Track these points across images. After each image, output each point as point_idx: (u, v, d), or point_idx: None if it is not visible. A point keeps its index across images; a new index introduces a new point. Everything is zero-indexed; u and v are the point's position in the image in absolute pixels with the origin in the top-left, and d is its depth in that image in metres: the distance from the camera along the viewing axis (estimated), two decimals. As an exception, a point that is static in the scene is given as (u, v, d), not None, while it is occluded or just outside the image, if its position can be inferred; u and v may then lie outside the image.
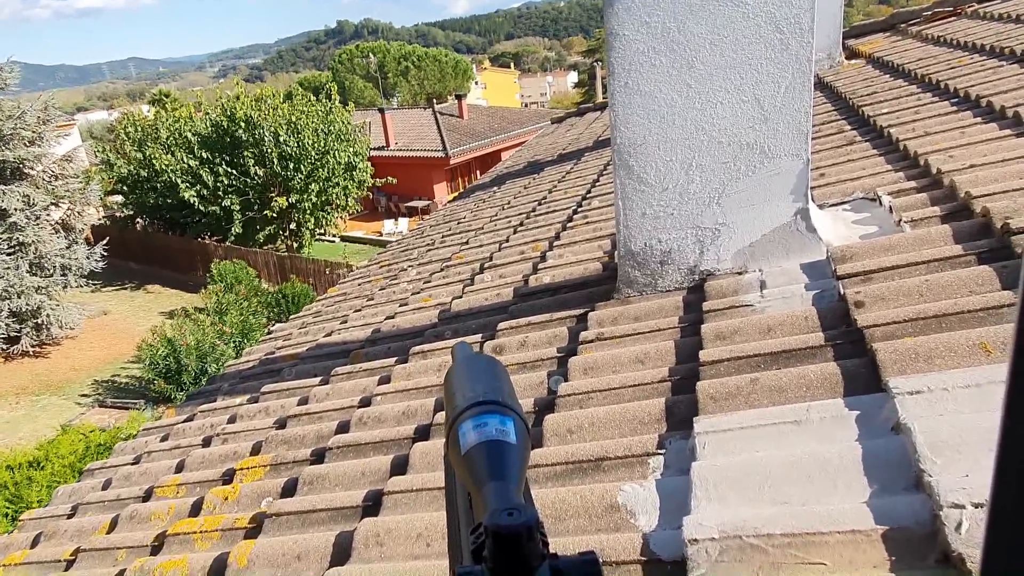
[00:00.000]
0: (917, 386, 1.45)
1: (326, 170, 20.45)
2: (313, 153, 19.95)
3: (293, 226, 21.59)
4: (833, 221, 2.52)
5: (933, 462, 1.22)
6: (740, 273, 2.38)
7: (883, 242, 2.18)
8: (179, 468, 2.91)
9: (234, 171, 20.15)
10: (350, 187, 21.61)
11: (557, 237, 3.88)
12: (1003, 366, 1.43)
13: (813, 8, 2.07)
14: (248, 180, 20.20)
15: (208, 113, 21.10)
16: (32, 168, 17.49)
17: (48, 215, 17.81)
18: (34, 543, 2.81)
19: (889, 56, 5.16)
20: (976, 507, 1.09)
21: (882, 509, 1.21)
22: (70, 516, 2.93)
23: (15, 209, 16.28)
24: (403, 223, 25.53)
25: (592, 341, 2.37)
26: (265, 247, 21.37)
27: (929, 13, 6.10)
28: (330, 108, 21.09)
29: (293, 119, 19.93)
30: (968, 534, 1.07)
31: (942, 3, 6.08)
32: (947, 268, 1.93)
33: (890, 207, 2.50)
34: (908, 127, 3.24)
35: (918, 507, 1.18)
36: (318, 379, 3.27)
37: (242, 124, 19.73)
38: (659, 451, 1.67)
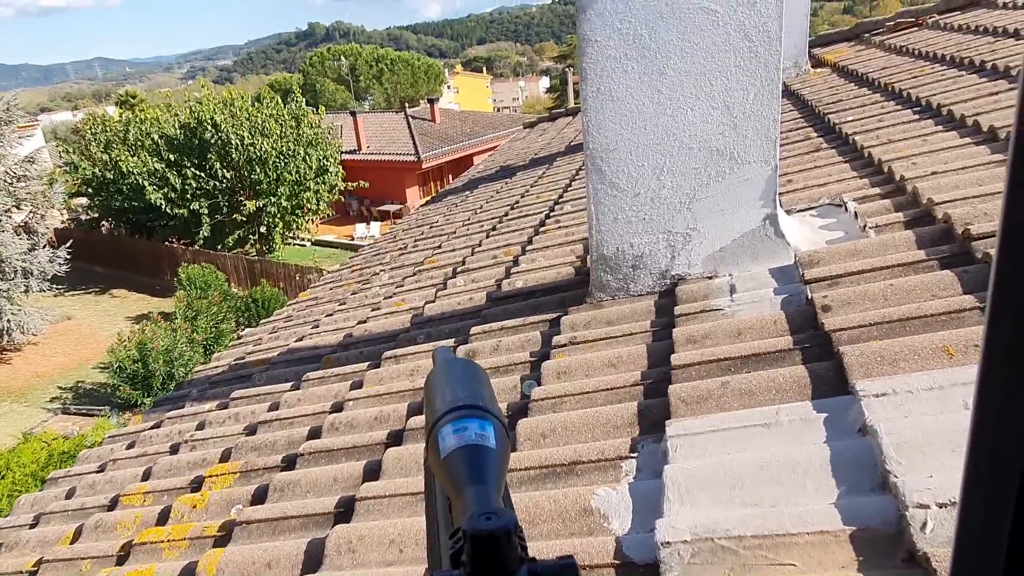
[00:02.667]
0: (883, 388, 1.48)
1: (294, 173, 20.24)
2: (274, 154, 19.72)
3: (263, 229, 21.35)
4: (801, 226, 2.57)
5: (899, 463, 1.25)
6: (710, 277, 2.40)
7: (849, 247, 2.22)
8: (146, 476, 2.85)
9: (202, 174, 19.87)
10: (321, 191, 21.42)
11: (530, 242, 3.89)
12: (965, 368, 1.47)
13: (780, 17, 2.11)
14: (216, 183, 19.93)
15: (176, 115, 20.79)
16: (-8, 170, 17.08)
17: (9, 217, 17.38)
18: (-6, 555, 2.74)
19: (854, 65, 5.27)
20: (941, 507, 1.12)
21: (850, 510, 1.23)
22: (32, 526, 2.86)
23: (-27, 211, 15.89)
24: (375, 227, 25.37)
25: (565, 345, 2.38)
26: (234, 251, 21.10)
27: (892, 23, 6.24)
28: (298, 112, 20.89)
29: (259, 121, 19.72)
30: (933, 534, 1.10)
31: (904, 14, 6.23)
32: (911, 273, 1.98)
33: (855, 213, 2.55)
34: (872, 135, 3.31)
35: (885, 507, 1.20)
36: (289, 384, 3.24)
37: (208, 127, 19.48)
38: (632, 455, 1.68)
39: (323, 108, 23.01)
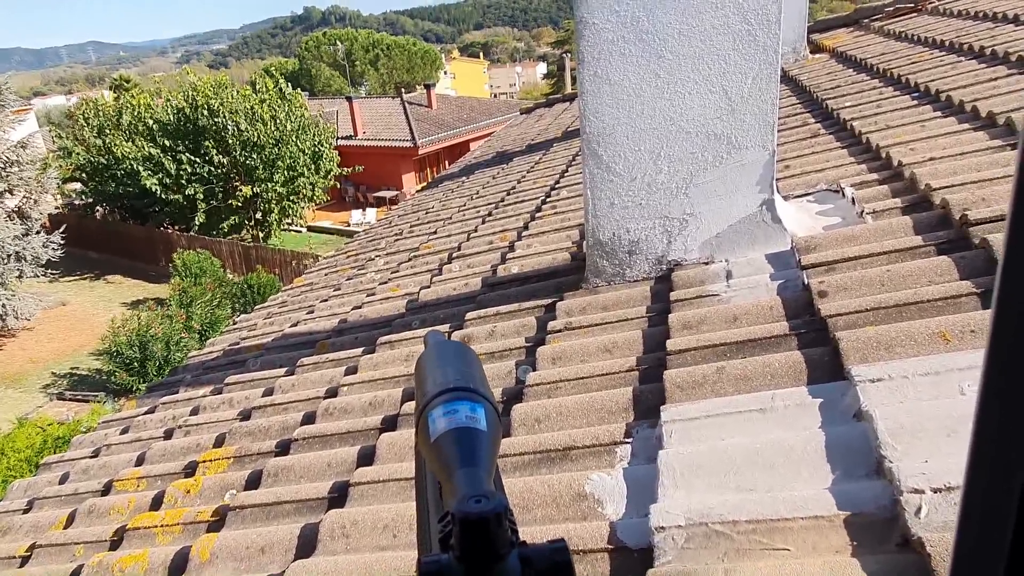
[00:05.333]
0: (878, 374, 1.47)
1: (287, 158, 20.08)
2: (270, 141, 19.58)
3: (259, 215, 21.25)
4: (798, 212, 2.56)
5: (894, 448, 1.25)
6: (707, 263, 2.39)
7: (846, 233, 2.21)
8: (139, 461, 2.85)
9: (197, 159, 19.75)
10: (315, 177, 21.29)
11: (526, 227, 3.88)
12: (962, 354, 1.46)
13: (780, 0, 2.09)
14: (211, 168, 19.82)
15: (169, 100, 20.62)
16: (-16, 154, 16.96)
17: (2, 203, 17.28)
18: (-12, 539, 2.73)
19: (852, 51, 5.24)
20: (935, 492, 1.11)
21: (844, 495, 1.23)
22: (26, 511, 2.86)
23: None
24: (371, 213, 25.28)
25: (560, 331, 2.38)
26: (230, 237, 21.01)
27: (891, 9, 6.20)
28: (287, 96, 20.72)
29: (251, 106, 19.58)
30: (928, 518, 1.09)
31: (904, -1, 6.19)
32: (907, 258, 1.97)
33: (853, 198, 2.54)
34: (870, 120, 3.30)
35: (879, 492, 1.20)
36: (284, 370, 3.23)
37: (203, 112, 19.34)
38: (627, 440, 1.68)
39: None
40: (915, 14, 5.88)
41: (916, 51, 4.43)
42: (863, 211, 2.39)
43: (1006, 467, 0.35)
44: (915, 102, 3.39)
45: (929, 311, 1.67)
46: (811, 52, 6.01)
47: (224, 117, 19.25)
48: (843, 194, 2.63)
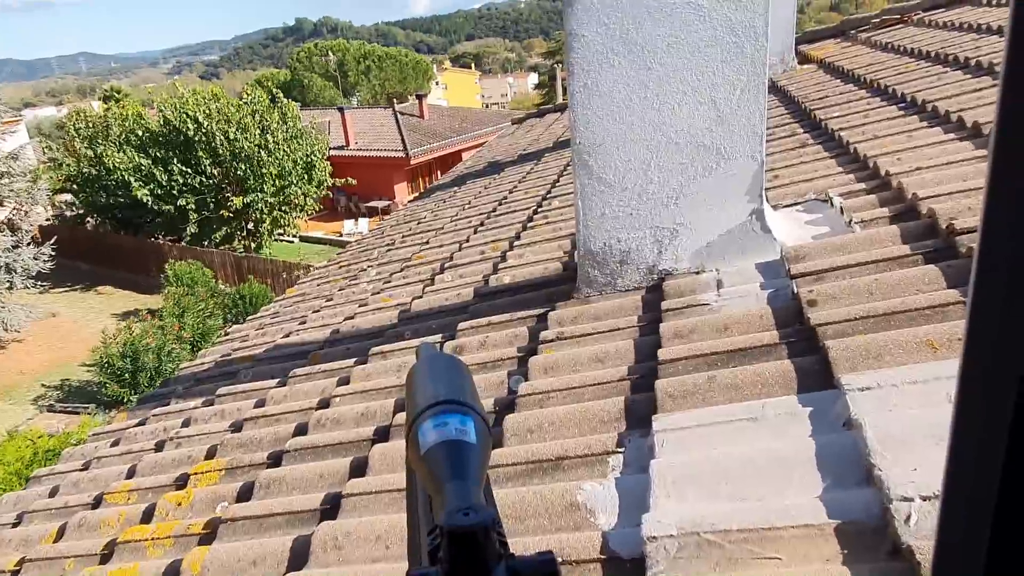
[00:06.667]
0: (867, 382, 1.48)
1: (276, 166, 20.03)
2: (257, 150, 19.55)
3: (251, 226, 21.19)
4: (787, 222, 2.58)
5: (883, 456, 1.25)
6: (697, 273, 2.41)
7: (835, 242, 2.23)
8: (130, 474, 2.83)
9: (188, 169, 19.70)
10: (307, 187, 21.27)
11: (517, 237, 3.89)
12: (949, 362, 1.48)
13: (767, 13, 2.11)
14: (203, 179, 19.77)
15: (161, 110, 20.60)
16: (-26, 166, 16.89)
17: (-8, 214, 17.23)
18: (-24, 554, 2.71)
19: (840, 61, 5.29)
20: (925, 500, 1.12)
21: (835, 503, 1.23)
22: (15, 525, 2.83)
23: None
24: (363, 223, 25.27)
25: (552, 340, 2.38)
26: (222, 247, 20.94)
27: (878, 20, 6.28)
28: (279, 103, 20.72)
29: (241, 117, 19.58)
30: (917, 526, 1.10)
31: (890, 11, 6.26)
32: (895, 267, 1.99)
33: (841, 208, 2.56)
34: (858, 130, 3.33)
35: (869, 501, 1.21)
36: (275, 381, 3.22)
37: (190, 124, 19.32)
38: (618, 449, 1.68)
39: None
40: (901, 25, 5.95)
41: (902, 62, 4.48)
42: (851, 220, 2.41)
43: (985, 462, 0.36)
44: (902, 112, 3.43)
45: (917, 320, 1.69)
46: (799, 63, 6.07)
47: (212, 128, 19.22)
48: (831, 204, 2.65)
